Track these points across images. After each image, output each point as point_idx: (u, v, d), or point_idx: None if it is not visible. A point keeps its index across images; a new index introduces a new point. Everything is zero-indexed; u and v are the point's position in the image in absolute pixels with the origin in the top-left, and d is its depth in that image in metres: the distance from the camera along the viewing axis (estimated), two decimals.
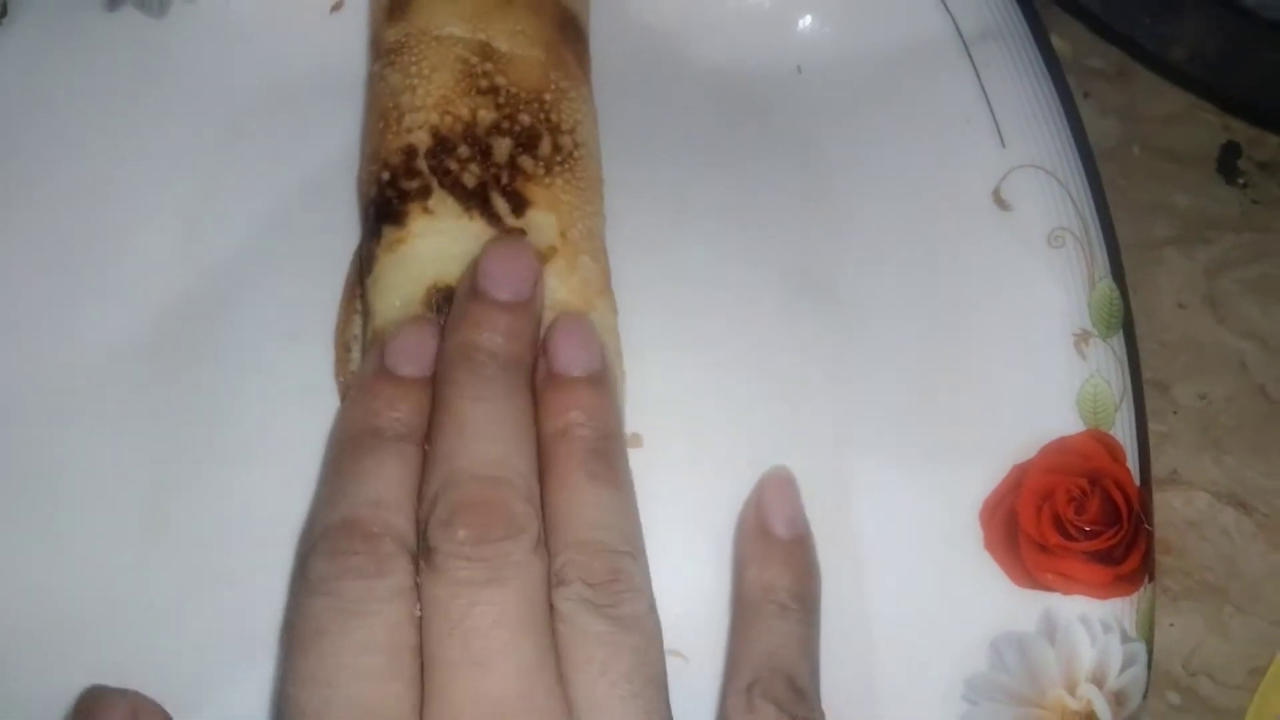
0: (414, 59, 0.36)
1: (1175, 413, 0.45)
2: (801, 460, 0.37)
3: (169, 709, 0.30)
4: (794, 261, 0.41)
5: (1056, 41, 0.41)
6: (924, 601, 0.36)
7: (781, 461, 0.37)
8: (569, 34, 0.38)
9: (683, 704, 0.31)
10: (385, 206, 0.35)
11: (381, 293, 0.34)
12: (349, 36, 0.42)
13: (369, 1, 0.40)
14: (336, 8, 0.42)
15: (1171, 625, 0.41)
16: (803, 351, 0.39)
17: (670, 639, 0.31)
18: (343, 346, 0.38)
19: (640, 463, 0.34)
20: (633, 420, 0.36)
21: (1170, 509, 0.43)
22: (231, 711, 0.34)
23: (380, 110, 0.36)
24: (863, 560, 0.37)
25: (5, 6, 0.41)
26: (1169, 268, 0.47)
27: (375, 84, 0.37)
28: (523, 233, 0.34)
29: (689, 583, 0.35)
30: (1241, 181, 0.49)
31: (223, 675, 0.34)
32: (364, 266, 0.36)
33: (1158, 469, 0.41)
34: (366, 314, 0.35)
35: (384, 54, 0.37)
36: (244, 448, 0.37)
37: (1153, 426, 0.39)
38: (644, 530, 0.32)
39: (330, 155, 0.40)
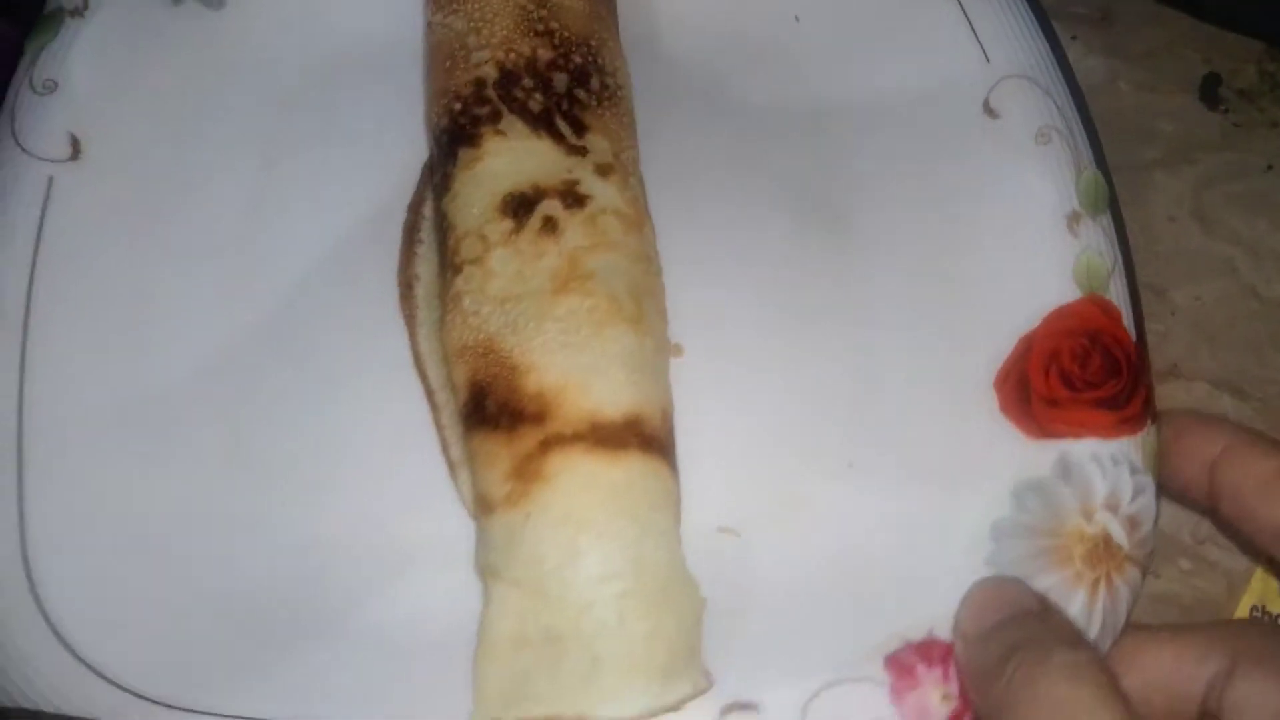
0: (477, 6, 0.41)
1: (1173, 314, 0.49)
2: (827, 350, 0.42)
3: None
4: (807, 185, 0.45)
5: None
6: (950, 464, 0.40)
7: (809, 354, 0.42)
8: None
9: (736, 575, 0.37)
10: (459, 132, 0.40)
11: (461, 207, 0.39)
12: (393, 10, 0.47)
13: None
14: None
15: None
16: (821, 261, 0.44)
17: (724, 518, 0.38)
18: (405, 284, 0.43)
19: (683, 370, 0.39)
20: (674, 331, 0.40)
21: (1172, 399, 0.47)
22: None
23: (446, 51, 0.41)
24: (892, 434, 0.41)
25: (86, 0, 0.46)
26: (1159, 187, 0.52)
27: (437, 31, 0.42)
28: None
29: (734, 468, 0.40)
30: (1223, 108, 0.53)
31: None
32: (438, 190, 0.41)
33: (1158, 363, 0.44)
34: (445, 230, 0.40)
35: (446, 3, 0.42)
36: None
37: (1152, 326, 0.43)
38: (691, 429, 0.38)
39: (384, 120, 0.46)
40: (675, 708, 0.33)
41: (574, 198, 0.39)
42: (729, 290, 0.43)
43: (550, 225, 0.38)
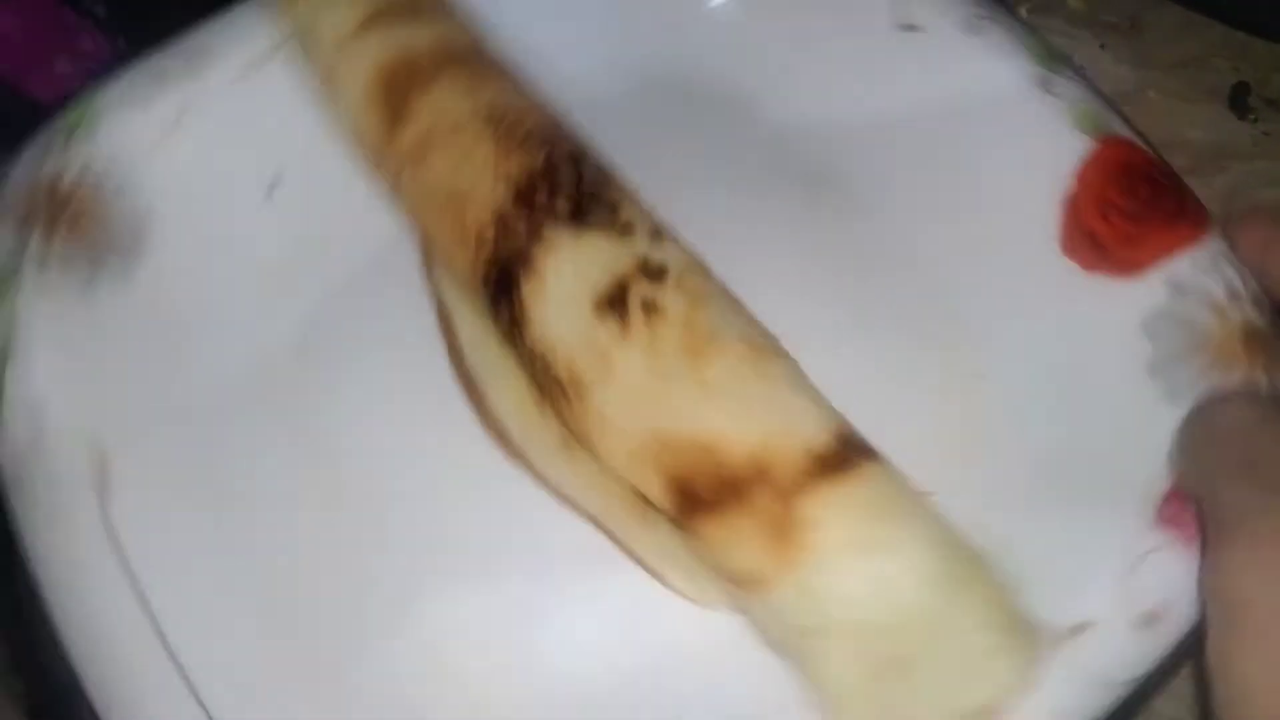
0: (452, 141, 0.39)
1: None
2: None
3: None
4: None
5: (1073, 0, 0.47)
6: (1061, 340, 0.42)
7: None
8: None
9: None
10: (508, 267, 0.38)
11: (552, 333, 0.37)
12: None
13: (353, 130, 0.43)
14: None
15: None
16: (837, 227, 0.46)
17: None
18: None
19: None
20: None
21: None
22: None
23: (437, 200, 0.39)
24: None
25: None
26: None
27: (413, 186, 0.40)
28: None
29: None
30: (1252, 117, 0.54)
31: None
32: (512, 332, 0.38)
33: None
34: (542, 365, 0.38)
35: (404, 159, 0.40)
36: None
37: None
38: None
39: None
40: (1037, 658, 0.33)
41: (653, 272, 0.38)
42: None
43: (651, 307, 0.37)
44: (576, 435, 0.38)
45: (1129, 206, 0.42)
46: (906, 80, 0.47)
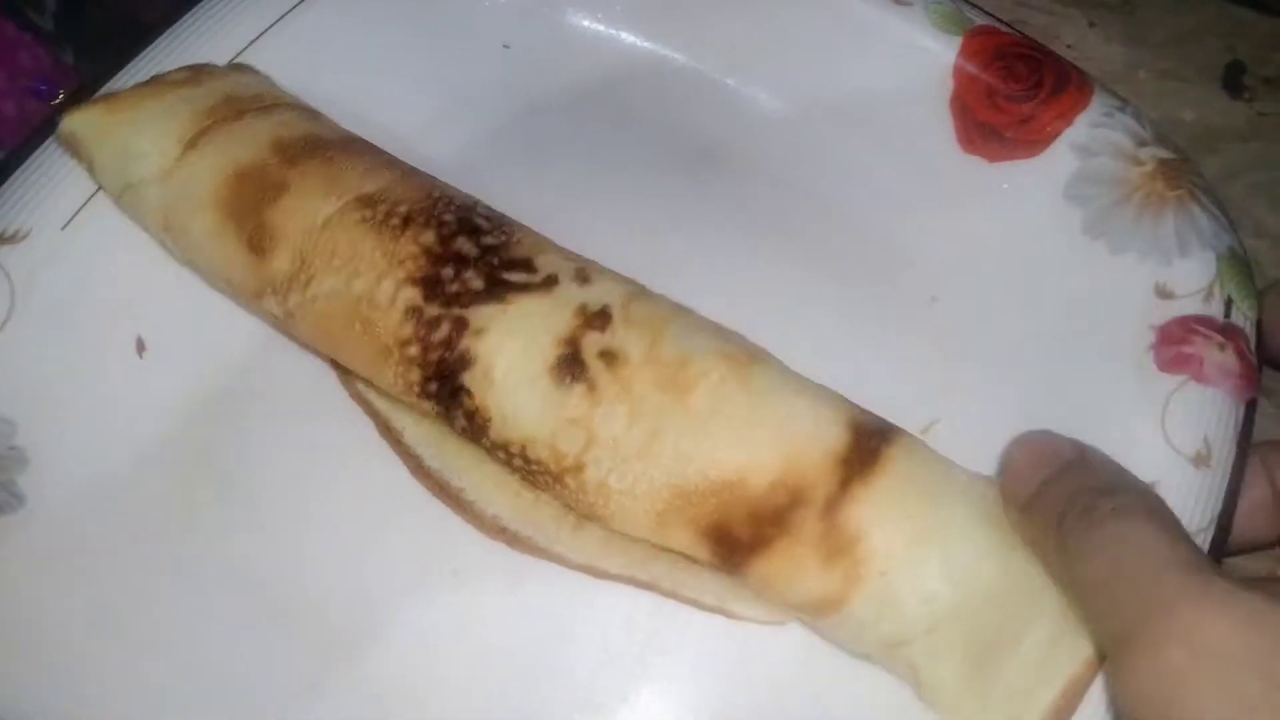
0: (325, 259, 0.35)
1: None
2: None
3: None
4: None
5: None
6: (996, 235, 0.42)
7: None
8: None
9: None
10: (446, 364, 0.34)
11: (520, 418, 0.34)
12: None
13: (212, 273, 0.37)
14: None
15: None
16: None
17: None
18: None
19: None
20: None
21: None
22: None
23: (342, 317, 0.35)
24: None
25: None
26: None
27: (312, 308, 0.35)
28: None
29: None
30: (1247, 96, 0.50)
31: None
32: (474, 429, 0.35)
33: None
34: (518, 453, 0.35)
35: (283, 287, 0.35)
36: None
37: None
38: None
39: None
40: None
41: (596, 318, 0.35)
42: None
43: (609, 356, 0.34)
44: (582, 513, 0.35)
45: (1014, 90, 0.42)
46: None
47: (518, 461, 0.35)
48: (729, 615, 0.37)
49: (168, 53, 0.40)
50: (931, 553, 0.32)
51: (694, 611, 0.37)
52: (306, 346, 0.38)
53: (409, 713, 0.36)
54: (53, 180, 0.39)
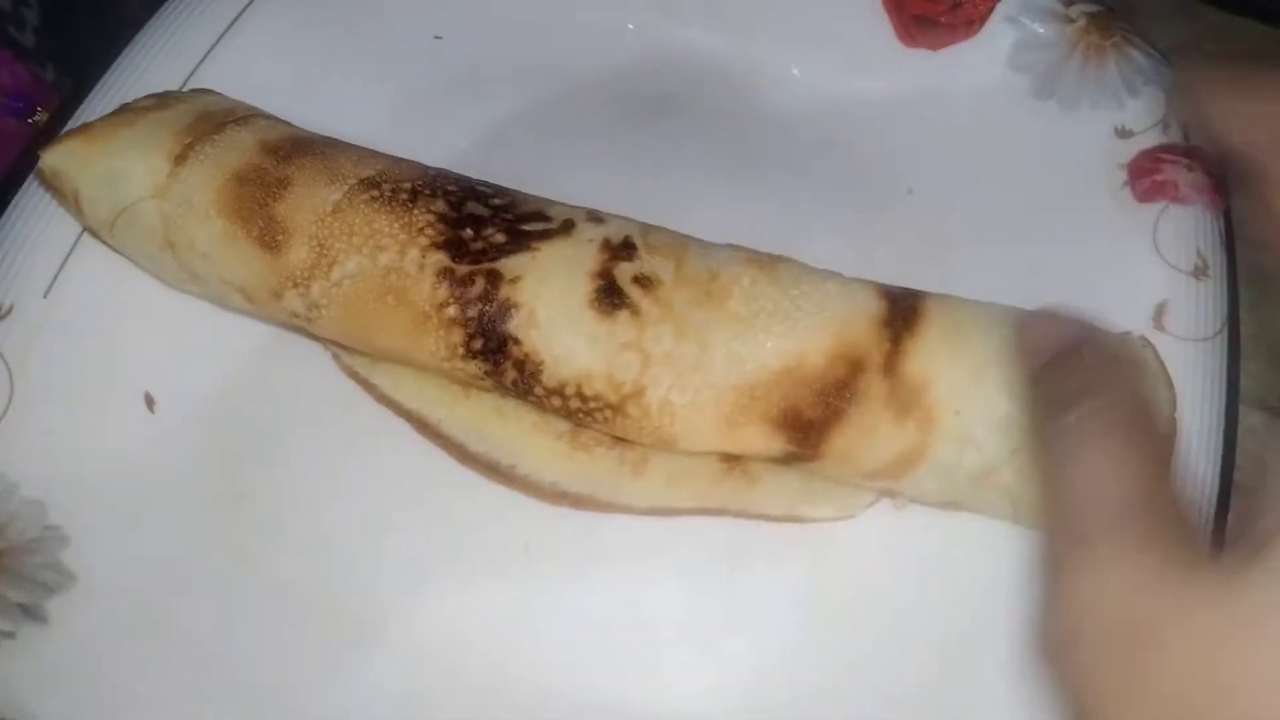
0: (344, 240, 0.34)
1: None
2: None
3: None
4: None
5: None
6: (954, 119, 0.44)
7: None
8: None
9: None
10: (490, 317, 0.34)
11: (570, 354, 0.34)
12: None
13: (224, 281, 0.36)
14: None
15: None
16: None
17: None
18: None
19: None
20: None
21: None
22: None
23: (375, 292, 0.34)
24: None
25: None
26: None
27: (333, 295, 0.35)
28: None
29: None
30: None
31: None
32: (527, 380, 0.35)
33: None
34: (575, 392, 0.35)
35: (304, 278, 0.35)
36: None
37: None
38: None
39: None
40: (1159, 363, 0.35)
41: (622, 249, 0.35)
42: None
43: (644, 281, 0.35)
44: (648, 442, 0.35)
45: None
46: None
47: (574, 403, 0.35)
48: (800, 520, 0.37)
49: (117, 88, 0.39)
50: (993, 379, 0.33)
51: (768, 526, 0.37)
52: (333, 343, 0.38)
53: (518, 694, 0.35)
54: (26, 248, 0.38)
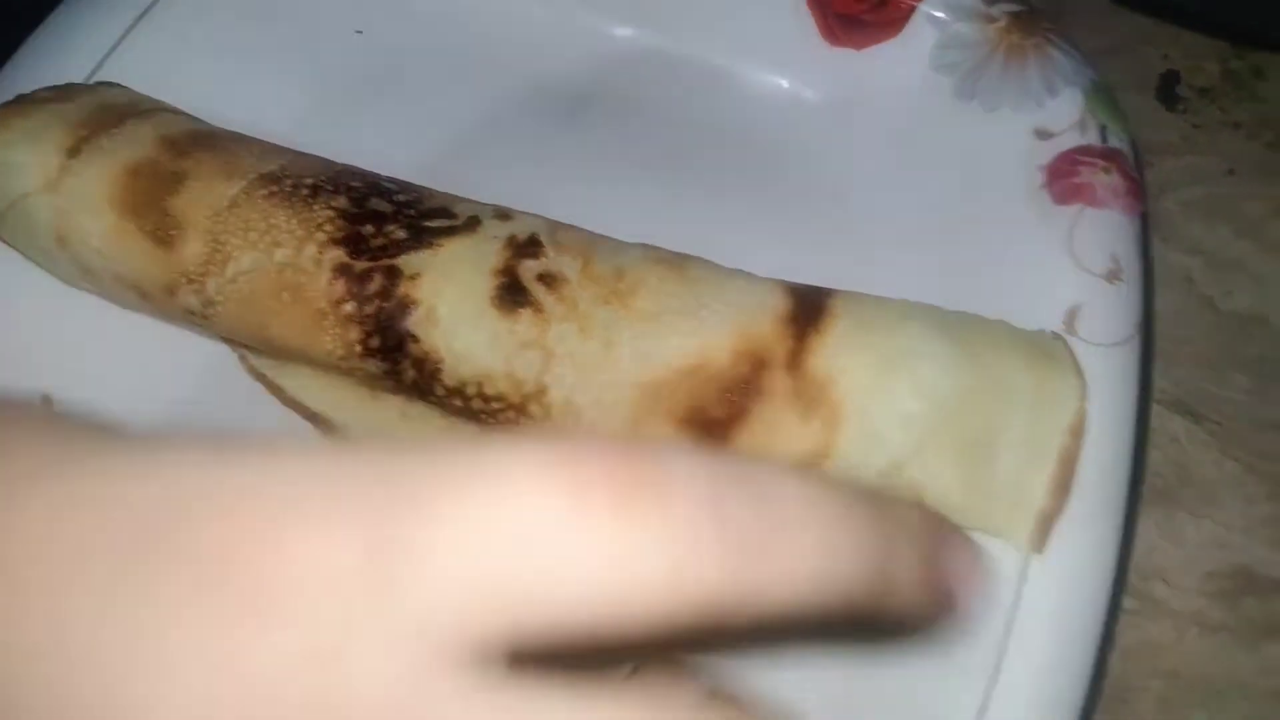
0: (240, 236, 0.35)
1: None
2: None
3: None
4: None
5: None
6: (883, 118, 0.45)
7: None
8: None
9: None
10: (388, 314, 0.35)
11: (470, 358, 0.35)
12: None
13: (117, 277, 0.37)
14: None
15: None
16: None
17: None
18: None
19: None
20: None
21: None
22: None
23: (270, 291, 0.35)
24: None
25: None
26: None
27: (229, 292, 0.35)
28: None
29: None
30: (1181, 108, 0.51)
31: None
32: (425, 381, 0.35)
33: None
34: (476, 392, 0.35)
35: (198, 274, 0.35)
36: None
37: None
38: None
39: None
40: (1073, 357, 0.36)
41: (529, 247, 0.36)
42: None
43: (549, 278, 0.35)
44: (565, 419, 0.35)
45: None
46: None
47: (476, 404, 0.35)
48: None
49: (17, 80, 0.39)
50: (899, 376, 0.34)
51: None
52: (230, 340, 0.38)
53: None
54: None
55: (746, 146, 0.46)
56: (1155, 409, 0.43)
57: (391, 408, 0.39)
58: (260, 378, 0.39)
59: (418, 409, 0.39)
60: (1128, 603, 0.40)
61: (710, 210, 0.43)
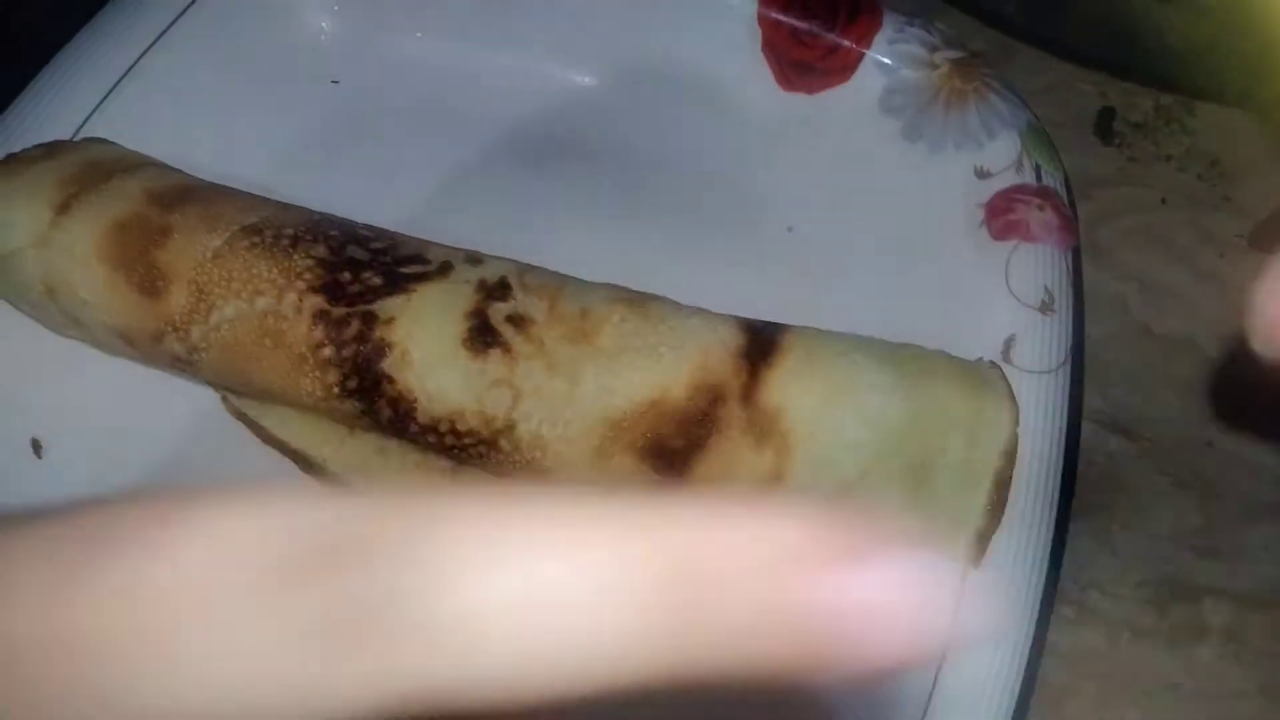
0: (223, 286, 0.37)
1: None
2: None
3: None
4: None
5: (943, 26, 0.48)
6: (832, 160, 0.48)
7: None
8: None
9: None
10: (364, 359, 0.37)
11: (445, 397, 0.37)
12: None
13: (106, 327, 0.39)
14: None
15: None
16: None
17: None
18: None
19: None
20: None
21: None
22: None
23: (252, 338, 0.37)
24: None
25: None
26: None
27: (212, 339, 0.37)
28: None
29: None
30: (1117, 142, 0.54)
31: None
32: (398, 427, 0.38)
33: None
34: (449, 429, 0.37)
35: (183, 323, 0.37)
36: None
37: None
38: None
39: None
40: (1008, 387, 0.39)
41: (498, 290, 0.38)
42: None
43: (517, 320, 0.38)
44: (522, 478, 0.38)
45: (814, 25, 0.48)
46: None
47: (449, 439, 0.37)
48: None
49: (7, 139, 0.42)
50: (845, 405, 0.36)
51: None
52: (215, 384, 0.40)
53: None
54: None
55: (705, 186, 0.48)
56: (1091, 427, 0.46)
57: (368, 444, 0.41)
58: (241, 417, 0.42)
59: (394, 445, 0.41)
60: (1065, 610, 0.43)
61: (671, 246, 0.46)
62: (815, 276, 0.46)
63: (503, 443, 0.37)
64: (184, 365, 0.38)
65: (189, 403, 0.42)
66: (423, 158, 0.48)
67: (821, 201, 0.48)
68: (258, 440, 0.41)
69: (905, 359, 0.39)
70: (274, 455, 0.41)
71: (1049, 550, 0.37)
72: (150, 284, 0.37)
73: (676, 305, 0.40)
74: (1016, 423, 0.37)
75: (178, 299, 0.37)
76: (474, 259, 0.40)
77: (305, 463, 0.41)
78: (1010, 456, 0.37)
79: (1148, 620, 0.43)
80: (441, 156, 0.48)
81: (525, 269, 0.40)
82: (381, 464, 0.41)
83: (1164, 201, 0.53)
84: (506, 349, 0.37)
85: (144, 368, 0.41)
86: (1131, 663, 0.42)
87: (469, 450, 0.38)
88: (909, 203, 0.46)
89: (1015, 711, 0.35)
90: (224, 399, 0.42)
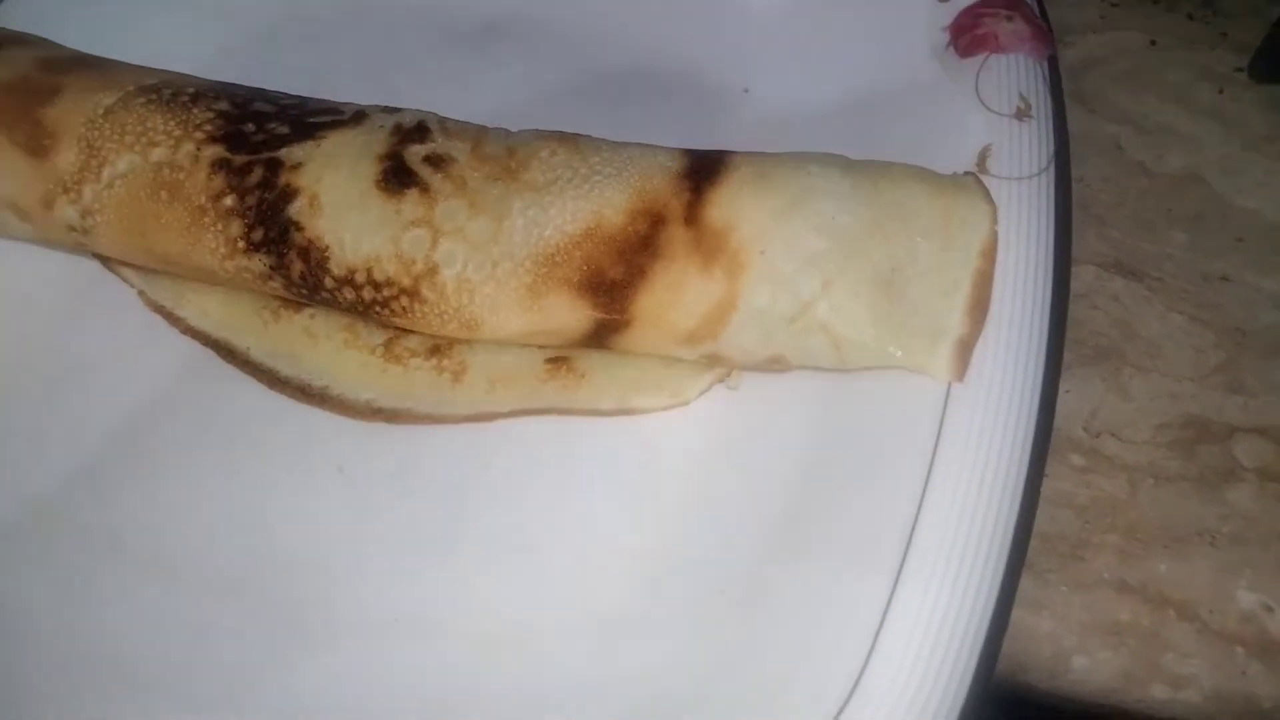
0: (115, 140, 0.34)
1: None
2: None
3: None
4: None
5: None
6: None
7: None
8: None
9: None
10: (271, 214, 0.34)
11: (351, 241, 0.34)
12: None
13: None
14: None
15: (1067, 391, 0.40)
16: None
17: None
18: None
19: None
20: None
21: None
22: None
23: (147, 192, 0.34)
24: None
25: None
26: None
27: (106, 198, 0.34)
28: None
29: None
30: None
31: None
32: (310, 282, 0.35)
33: None
34: (366, 280, 0.35)
35: (74, 182, 0.34)
36: None
37: None
38: None
39: None
40: (983, 187, 0.36)
41: (415, 133, 0.36)
42: None
43: (436, 160, 0.35)
44: (451, 330, 0.35)
45: None
46: None
47: (368, 292, 0.34)
48: (632, 412, 0.37)
49: None
50: (799, 216, 0.33)
51: (598, 424, 0.37)
52: (115, 258, 0.37)
53: (341, 615, 0.34)
54: None
55: (659, 54, 0.45)
56: (1092, 270, 0.43)
57: (294, 327, 0.38)
58: (159, 309, 0.39)
59: (321, 325, 0.38)
60: (1077, 460, 0.39)
61: (626, 116, 0.42)
62: (777, 135, 0.42)
63: (425, 290, 0.34)
64: (80, 236, 0.35)
65: (107, 299, 0.39)
66: (360, 46, 0.46)
67: (779, 58, 0.45)
68: (177, 331, 0.39)
69: (864, 166, 0.35)
70: (195, 347, 0.38)
71: (1043, 363, 0.33)
72: (36, 143, 0.34)
73: (611, 141, 0.37)
74: (994, 220, 0.34)
75: (66, 157, 0.34)
76: (391, 110, 0.37)
77: (227, 351, 0.38)
78: (990, 255, 0.33)
79: (1173, 465, 0.39)
80: (375, 44, 0.46)
81: (446, 119, 0.37)
82: (309, 347, 0.38)
83: (1153, 43, 0.50)
84: (425, 189, 0.34)
85: (60, 265, 0.39)
86: (1157, 511, 0.38)
87: (392, 305, 0.35)
88: (867, 45, 0.43)
89: (1012, 552, 0.31)
90: (141, 294, 0.39)
